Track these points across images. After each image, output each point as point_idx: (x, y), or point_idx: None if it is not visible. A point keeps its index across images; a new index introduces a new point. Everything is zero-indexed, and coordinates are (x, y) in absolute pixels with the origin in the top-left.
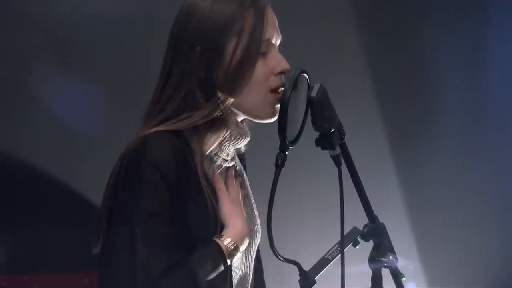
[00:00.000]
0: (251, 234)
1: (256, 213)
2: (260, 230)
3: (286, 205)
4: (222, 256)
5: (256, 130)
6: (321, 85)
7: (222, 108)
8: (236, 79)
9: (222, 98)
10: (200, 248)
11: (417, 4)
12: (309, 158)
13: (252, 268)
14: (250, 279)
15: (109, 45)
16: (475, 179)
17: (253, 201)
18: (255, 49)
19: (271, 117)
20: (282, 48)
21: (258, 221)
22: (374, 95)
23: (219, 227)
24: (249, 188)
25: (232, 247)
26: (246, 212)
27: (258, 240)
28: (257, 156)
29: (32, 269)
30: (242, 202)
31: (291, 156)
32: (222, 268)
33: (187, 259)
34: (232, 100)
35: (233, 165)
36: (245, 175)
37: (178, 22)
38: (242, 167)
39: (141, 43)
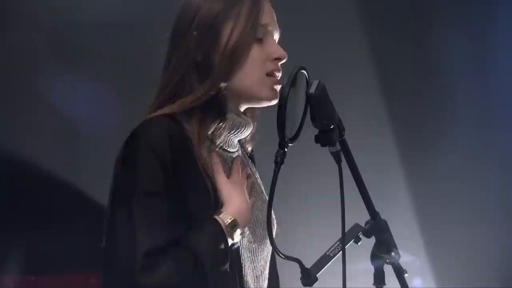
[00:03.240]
0: (255, 220)
1: (264, 205)
2: (275, 222)
3: (292, 203)
4: (220, 231)
5: (259, 128)
6: (319, 81)
7: (216, 89)
8: (231, 61)
9: (216, 79)
10: (199, 225)
11: (425, 2)
12: (315, 155)
13: (268, 264)
14: (267, 275)
15: (117, 46)
16: (484, 177)
17: (264, 194)
18: (251, 33)
19: (270, 99)
20: (289, 46)
21: (272, 213)
22: (382, 93)
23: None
24: (259, 181)
25: (230, 221)
26: (256, 204)
27: (273, 232)
28: (260, 153)
29: (39, 269)
30: (247, 191)
31: (297, 154)
32: (222, 244)
33: (187, 236)
34: (226, 83)
35: (239, 155)
36: (253, 168)
37: (179, 11)
38: (250, 161)
39: (149, 44)
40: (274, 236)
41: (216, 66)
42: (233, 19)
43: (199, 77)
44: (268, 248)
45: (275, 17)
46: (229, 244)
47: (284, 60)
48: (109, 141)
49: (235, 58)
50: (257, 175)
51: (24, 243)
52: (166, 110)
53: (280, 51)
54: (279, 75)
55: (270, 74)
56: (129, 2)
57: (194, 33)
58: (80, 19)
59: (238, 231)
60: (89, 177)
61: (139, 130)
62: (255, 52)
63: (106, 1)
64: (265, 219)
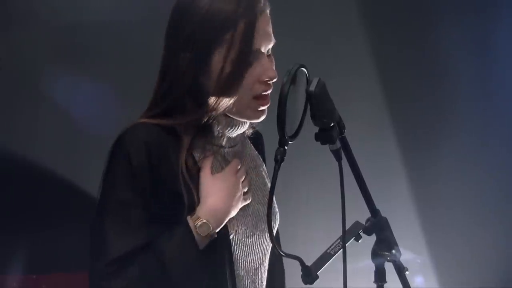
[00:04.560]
0: (260, 216)
1: (261, 199)
2: (277, 215)
3: (293, 201)
4: (189, 234)
5: (260, 127)
6: (319, 79)
7: (210, 115)
8: (226, 91)
9: (211, 105)
10: (172, 229)
11: (428, 4)
12: (317, 155)
13: (268, 255)
14: (267, 266)
15: (120, 45)
16: (485, 178)
17: (267, 186)
18: (244, 64)
19: (255, 118)
20: (290, 49)
21: (275, 205)
22: (384, 96)
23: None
24: (264, 174)
25: (200, 224)
26: (258, 197)
27: (275, 225)
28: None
29: (40, 269)
30: (241, 186)
31: (297, 152)
32: (192, 247)
33: (156, 241)
34: (220, 110)
35: (238, 151)
36: (259, 161)
37: (174, 21)
38: (254, 151)
39: (152, 44)
40: (274, 230)
41: (210, 93)
42: (226, 46)
43: (193, 101)
44: (268, 241)
45: (270, 28)
46: (201, 246)
47: (274, 80)
48: (110, 141)
49: (228, 88)
50: (264, 167)
51: (26, 242)
52: (157, 121)
53: (270, 72)
54: (268, 92)
55: (258, 97)
56: (131, 2)
57: (188, 55)
58: (82, 19)
59: (210, 233)
60: (90, 176)
61: (120, 139)
62: (246, 77)
63: (108, 0)
64: (266, 212)
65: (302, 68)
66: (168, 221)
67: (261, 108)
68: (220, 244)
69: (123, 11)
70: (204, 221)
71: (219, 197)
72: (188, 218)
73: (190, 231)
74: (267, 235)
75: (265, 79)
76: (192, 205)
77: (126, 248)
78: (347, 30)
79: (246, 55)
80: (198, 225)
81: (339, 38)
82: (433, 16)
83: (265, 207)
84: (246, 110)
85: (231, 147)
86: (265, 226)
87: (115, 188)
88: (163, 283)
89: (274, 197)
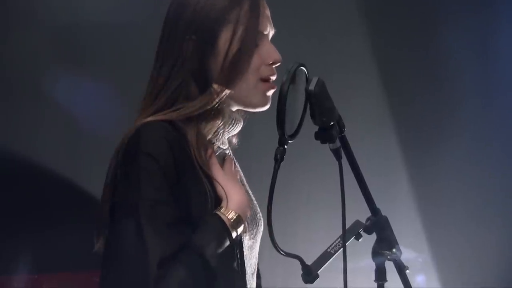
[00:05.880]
0: (253, 217)
1: (255, 202)
2: (262, 219)
3: (293, 200)
4: (225, 228)
5: (260, 126)
6: (319, 78)
7: (217, 100)
8: (233, 71)
9: (217, 90)
10: (203, 225)
11: (429, 3)
12: (317, 154)
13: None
14: (256, 268)
15: (120, 45)
16: (486, 177)
17: (249, 191)
18: (252, 42)
19: (263, 105)
20: (289, 47)
21: (259, 209)
22: (385, 95)
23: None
24: (243, 178)
25: (234, 217)
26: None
27: (261, 228)
28: (261, 150)
29: (42, 268)
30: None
31: (297, 151)
32: (227, 241)
33: (192, 238)
34: (227, 92)
35: (229, 154)
36: (237, 165)
37: (172, 10)
38: (233, 156)
39: (153, 43)
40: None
41: (216, 75)
42: (232, 24)
43: (198, 86)
44: (258, 244)
45: (269, 14)
46: (234, 238)
47: (278, 64)
48: (111, 140)
49: (236, 69)
50: (240, 171)
51: (28, 241)
52: (163, 117)
53: (275, 55)
54: (273, 79)
55: (265, 79)
56: (131, 2)
57: (192, 37)
58: (82, 19)
59: (242, 226)
60: (92, 176)
61: (137, 137)
62: (252, 60)
63: (108, 1)
64: (256, 215)
65: (302, 67)
66: (191, 217)
67: (269, 92)
68: (235, 245)
69: (123, 11)
70: (237, 214)
71: (241, 194)
72: (219, 213)
73: (225, 224)
74: (258, 238)
75: (271, 62)
76: (217, 200)
77: (170, 250)
78: (348, 29)
79: (253, 34)
80: (233, 219)
81: (339, 37)
82: (435, 16)
83: (254, 208)
84: (253, 94)
85: (223, 148)
86: (256, 230)
87: (145, 189)
88: (207, 280)
89: (256, 202)
